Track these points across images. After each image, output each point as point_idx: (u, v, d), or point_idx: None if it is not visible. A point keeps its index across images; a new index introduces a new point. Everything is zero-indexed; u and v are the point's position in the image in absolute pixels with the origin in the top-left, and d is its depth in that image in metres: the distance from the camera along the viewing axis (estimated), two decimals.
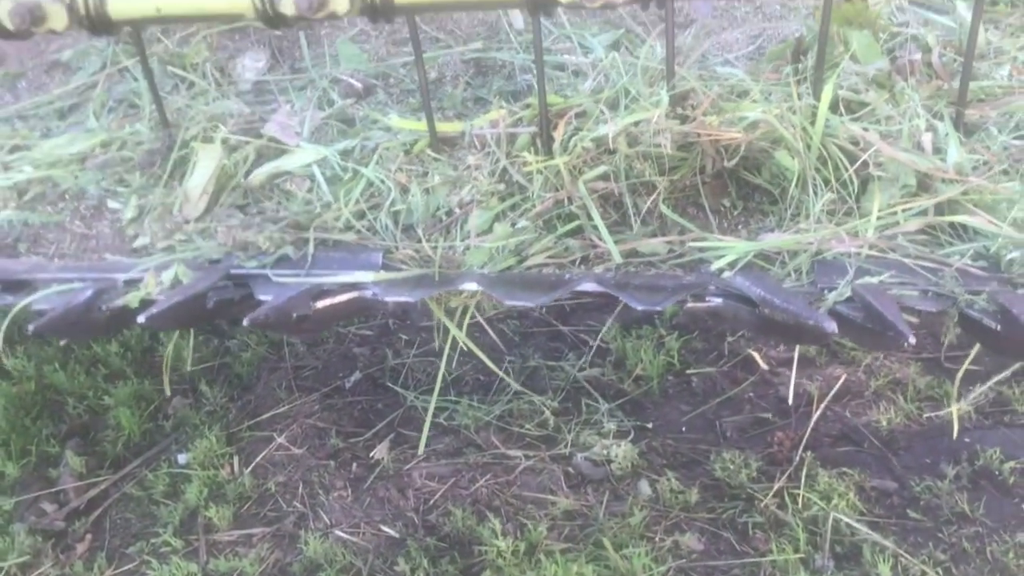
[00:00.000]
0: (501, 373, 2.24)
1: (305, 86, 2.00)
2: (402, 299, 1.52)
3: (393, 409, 2.89)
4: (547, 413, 2.75)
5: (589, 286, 1.54)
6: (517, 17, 2.07)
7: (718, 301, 1.50)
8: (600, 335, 2.96)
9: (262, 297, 1.50)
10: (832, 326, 1.35)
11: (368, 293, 1.54)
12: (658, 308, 1.45)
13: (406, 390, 2.93)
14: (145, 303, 1.49)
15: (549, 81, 1.89)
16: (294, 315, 1.45)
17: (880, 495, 2.40)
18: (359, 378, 3.03)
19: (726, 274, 1.56)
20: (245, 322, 1.37)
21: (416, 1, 1.55)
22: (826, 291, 1.50)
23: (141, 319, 1.38)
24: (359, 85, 1.95)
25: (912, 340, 1.28)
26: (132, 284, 1.56)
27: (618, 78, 1.77)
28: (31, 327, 1.44)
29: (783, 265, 1.58)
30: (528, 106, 1.78)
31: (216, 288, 1.50)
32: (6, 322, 1.61)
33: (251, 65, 2.00)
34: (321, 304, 1.50)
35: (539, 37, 1.64)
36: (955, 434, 2.37)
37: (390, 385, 2.97)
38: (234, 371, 3.07)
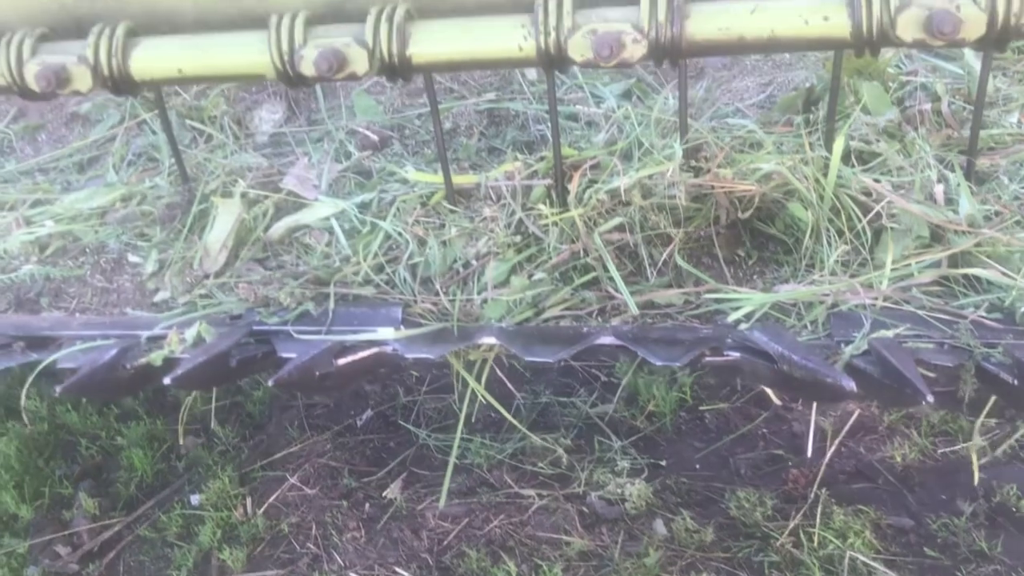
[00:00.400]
0: (514, 420, 2.25)
1: (322, 138, 2.02)
2: (422, 355, 1.53)
3: (405, 447, 2.89)
4: (560, 451, 2.75)
5: (607, 340, 1.55)
6: (529, 68, 2.10)
7: (736, 355, 1.51)
8: (618, 375, 2.96)
9: (285, 355, 1.52)
10: (851, 384, 1.36)
11: (389, 349, 1.56)
12: (676, 364, 1.46)
13: (418, 428, 2.94)
14: (168, 361, 1.51)
15: (563, 132, 1.92)
16: (317, 373, 1.46)
17: (896, 533, 2.40)
18: (371, 416, 3.04)
19: (743, 326, 1.57)
20: (270, 383, 1.39)
21: (432, 60, 1.57)
22: (843, 344, 1.52)
23: (167, 380, 1.39)
24: (375, 137, 1.97)
25: (930, 398, 1.30)
26: (155, 341, 1.58)
27: (631, 129, 1.80)
28: (57, 389, 1.46)
29: (799, 316, 1.60)
30: (543, 158, 1.80)
31: (239, 346, 1.52)
32: (30, 380, 1.63)
33: (268, 117, 2.03)
34: (343, 361, 1.51)
35: (553, 93, 1.66)
36: (976, 480, 2.36)
37: (402, 423, 2.98)
38: (246, 410, 3.08)
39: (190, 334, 1.55)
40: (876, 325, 1.52)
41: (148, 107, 2.13)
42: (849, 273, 1.62)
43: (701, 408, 2.85)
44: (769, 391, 2.85)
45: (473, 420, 2.94)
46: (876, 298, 1.56)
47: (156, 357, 1.52)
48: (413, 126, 2.08)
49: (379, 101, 2.14)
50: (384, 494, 2.73)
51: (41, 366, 1.59)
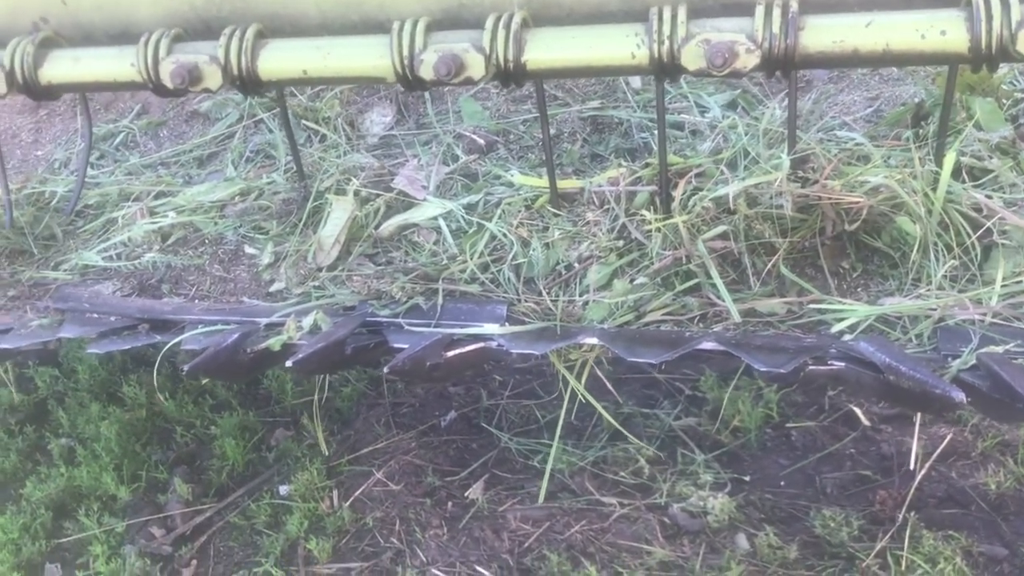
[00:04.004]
0: (612, 420, 2.26)
1: (430, 141, 2.09)
2: (527, 351, 1.57)
3: (487, 450, 2.92)
4: (642, 461, 2.75)
5: (710, 345, 1.57)
6: (634, 77, 2.14)
7: (840, 365, 1.51)
8: (702, 389, 2.95)
9: (396, 345, 1.58)
10: (960, 396, 1.36)
11: (494, 344, 1.61)
12: (781, 370, 1.47)
13: (500, 431, 2.97)
14: (287, 347, 1.58)
15: (667, 140, 1.95)
16: (427, 364, 1.52)
17: (989, 562, 2.34)
18: (454, 417, 3.08)
19: (847, 337, 1.57)
20: (385, 370, 1.44)
21: (546, 67, 1.62)
22: (950, 358, 1.51)
23: (288, 363, 1.46)
24: (481, 141, 2.03)
25: None
26: (272, 328, 1.65)
27: (737, 139, 1.81)
28: (185, 368, 1.54)
29: (904, 330, 1.59)
30: (647, 165, 1.83)
31: (353, 335, 1.58)
32: (159, 359, 1.72)
33: (379, 120, 2.11)
34: (451, 353, 1.56)
35: (662, 102, 1.70)
36: None
37: (484, 425, 3.01)
38: (335, 406, 3.15)
39: (307, 322, 1.62)
40: (985, 340, 1.51)
41: (265, 107, 2.23)
42: (957, 288, 1.61)
43: (787, 425, 2.82)
44: (858, 411, 2.82)
45: (554, 426, 2.96)
46: (985, 313, 1.55)
47: (275, 342, 1.59)
48: (518, 131, 2.13)
49: (485, 107, 2.20)
50: (466, 494, 2.76)
51: (167, 347, 1.68)
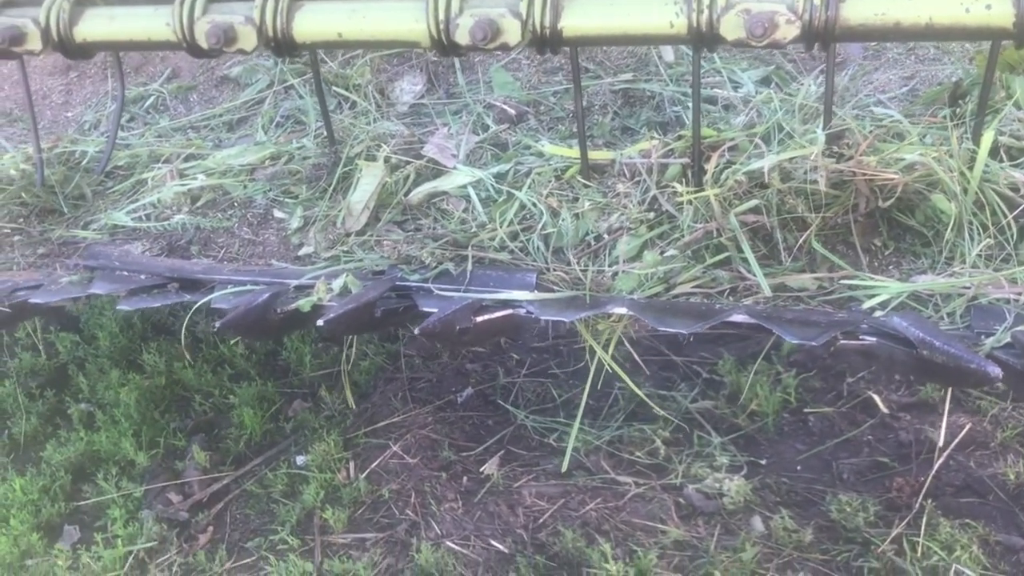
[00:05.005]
0: (637, 389, 2.26)
1: (460, 110, 2.09)
2: (555, 319, 1.57)
3: (503, 426, 2.93)
4: (658, 442, 2.75)
5: (740, 317, 1.56)
6: (667, 50, 2.12)
7: (872, 340, 1.50)
8: (720, 372, 2.95)
9: (426, 309, 1.58)
10: (997, 371, 1.35)
11: (523, 311, 1.60)
12: (812, 343, 1.46)
13: (516, 408, 2.98)
14: (316, 308, 1.59)
15: (701, 114, 1.93)
16: (457, 327, 1.52)
17: (1006, 551, 2.33)
18: (471, 393, 3.09)
19: (878, 313, 1.56)
20: (416, 331, 1.44)
21: (582, 34, 1.61)
22: (983, 336, 1.50)
23: (320, 322, 1.46)
24: (512, 111, 2.03)
25: None
26: (302, 290, 1.66)
27: (771, 114, 1.80)
28: (216, 325, 1.54)
29: (936, 308, 1.58)
30: (680, 137, 1.82)
31: (383, 298, 1.58)
32: (187, 317, 1.72)
33: (409, 88, 2.11)
34: (481, 319, 1.56)
35: (698, 73, 1.69)
36: None
37: (500, 402, 3.02)
38: (352, 378, 3.17)
39: (337, 284, 1.62)
40: (1020, 319, 1.50)
41: (295, 73, 2.23)
42: (992, 267, 1.60)
43: (805, 410, 2.82)
44: (876, 398, 2.81)
45: (571, 405, 2.97)
46: (1020, 293, 1.54)
47: (305, 303, 1.60)
48: (548, 102, 2.13)
49: (516, 77, 2.20)
50: (482, 469, 2.77)
51: (197, 305, 1.69)
